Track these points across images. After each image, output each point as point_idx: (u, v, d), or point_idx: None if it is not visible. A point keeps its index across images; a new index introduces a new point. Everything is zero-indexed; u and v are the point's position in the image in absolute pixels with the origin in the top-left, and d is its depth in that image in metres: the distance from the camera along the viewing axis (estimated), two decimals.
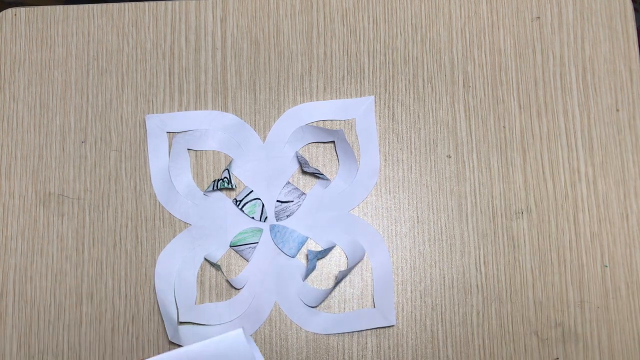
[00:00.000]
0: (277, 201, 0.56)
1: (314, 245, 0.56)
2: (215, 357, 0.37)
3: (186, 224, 0.56)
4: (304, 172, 0.57)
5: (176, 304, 0.54)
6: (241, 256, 0.56)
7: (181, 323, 0.54)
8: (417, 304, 0.55)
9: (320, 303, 0.55)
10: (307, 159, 0.57)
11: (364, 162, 0.57)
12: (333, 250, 0.56)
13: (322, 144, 0.58)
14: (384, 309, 0.54)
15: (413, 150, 0.57)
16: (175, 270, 0.55)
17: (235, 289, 0.55)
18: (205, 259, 0.55)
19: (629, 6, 0.60)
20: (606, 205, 0.56)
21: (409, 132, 0.58)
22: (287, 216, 0.56)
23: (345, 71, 0.59)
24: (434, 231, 0.56)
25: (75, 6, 0.60)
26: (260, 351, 0.54)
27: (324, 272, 0.56)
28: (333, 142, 0.57)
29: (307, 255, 0.55)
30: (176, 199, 0.56)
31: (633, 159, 0.57)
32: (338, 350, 0.54)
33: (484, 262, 0.55)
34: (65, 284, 0.55)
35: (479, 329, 0.54)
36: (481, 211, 0.56)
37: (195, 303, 0.55)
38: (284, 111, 0.58)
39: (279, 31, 0.59)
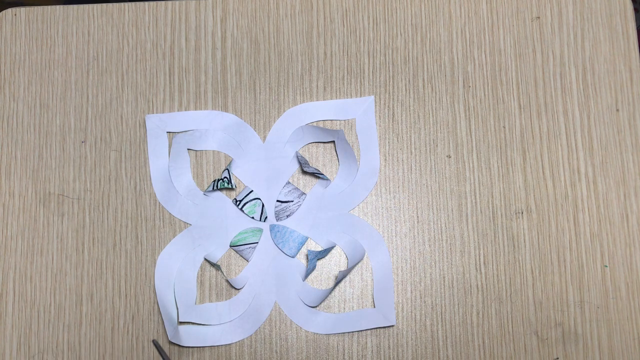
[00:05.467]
0: (277, 201, 0.56)
1: (314, 245, 0.56)
2: None
3: (186, 224, 0.56)
4: (304, 172, 0.57)
5: (176, 304, 0.54)
6: (241, 256, 0.56)
7: (181, 323, 0.54)
8: (417, 304, 0.55)
9: (320, 303, 0.55)
10: (307, 159, 0.57)
11: (364, 162, 0.57)
12: (333, 250, 0.56)
13: (322, 144, 0.58)
14: (384, 309, 0.54)
15: (413, 150, 0.57)
16: (175, 270, 0.55)
17: (235, 289, 0.55)
18: (205, 259, 0.55)
19: (629, 6, 0.60)
20: (606, 205, 0.56)
21: (409, 132, 0.58)
22: (287, 216, 0.56)
23: (345, 71, 0.59)
24: (434, 231, 0.56)
25: (75, 6, 0.60)
26: (260, 351, 0.54)
27: (324, 272, 0.56)
28: (333, 142, 0.57)
29: (307, 255, 0.55)
30: (176, 199, 0.56)
31: (633, 159, 0.57)
32: (338, 350, 0.54)
33: (484, 262, 0.55)
34: (65, 284, 0.55)
35: (479, 329, 0.54)
36: (481, 211, 0.56)
37: (195, 303, 0.55)
38: (284, 111, 0.58)
39: (279, 31, 0.59)
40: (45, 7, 0.60)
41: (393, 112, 0.58)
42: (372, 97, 0.58)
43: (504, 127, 0.58)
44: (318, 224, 0.56)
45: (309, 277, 0.55)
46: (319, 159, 0.57)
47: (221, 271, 0.55)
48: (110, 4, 0.60)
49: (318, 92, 0.58)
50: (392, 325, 0.54)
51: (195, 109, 0.58)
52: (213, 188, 0.56)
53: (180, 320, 0.54)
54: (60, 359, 0.54)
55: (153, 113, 0.58)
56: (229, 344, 0.54)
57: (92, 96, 0.58)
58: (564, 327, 0.54)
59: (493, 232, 0.56)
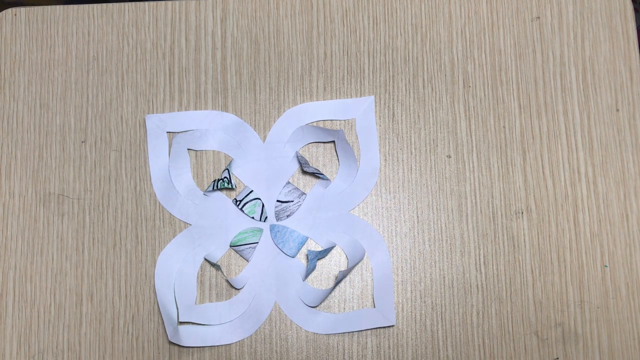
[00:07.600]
0: (277, 201, 0.56)
1: (314, 245, 0.56)
2: None
3: (186, 224, 0.56)
4: (304, 172, 0.57)
5: (176, 304, 0.54)
6: (241, 256, 0.56)
7: (181, 323, 0.54)
8: (417, 304, 0.55)
9: (320, 303, 0.55)
10: (307, 159, 0.57)
11: (364, 162, 0.57)
12: (333, 250, 0.56)
13: (322, 144, 0.58)
14: (384, 309, 0.54)
15: (413, 150, 0.57)
16: (175, 270, 0.55)
17: (235, 289, 0.55)
18: (205, 259, 0.55)
19: (629, 6, 0.60)
20: (606, 205, 0.56)
21: (409, 132, 0.58)
22: (287, 216, 0.56)
23: (345, 71, 0.59)
24: (434, 231, 0.56)
25: (75, 6, 0.60)
26: (260, 351, 0.54)
27: (324, 272, 0.56)
28: (333, 142, 0.57)
29: (307, 255, 0.55)
30: (176, 199, 0.56)
31: (633, 159, 0.57)
32: (338, 350, 0.54)
33: (484, 262, 0.55)
34: (65, 284, 0.55)
35: (479, 329, 0.54)
36: (481, 211, 0.56)
37: (195, 303, 0.55)
38: (284, 111, 0.58)
39: (279, 31, 0.59)
40: (45, 7, 0.60)
41: (393, 112, 0.58)
42: (372, 97, 0.58)
43: (504, 127, 0.58)
44: (318, 224, 0.56)
45: (309, 277, 0.55)
46: (319, 159, 0.57)
47: (221, 271, 0.55)
48: (110, 4, 0.60)
49: (318, 92, 0.58)
50: (392, 325, 0.54)
51: (195, 109, 0.58)
52: (213, 188, 0.56)
53: (180, 320, 0.54)
54: (60, 359, 0.54)
55: (153, 113, 0.58)
56: (229, 344, 0.54)
57: (92, 96, 0.58)
58: (564, 327, 0.54)
59: (493, 232, 0.56)
